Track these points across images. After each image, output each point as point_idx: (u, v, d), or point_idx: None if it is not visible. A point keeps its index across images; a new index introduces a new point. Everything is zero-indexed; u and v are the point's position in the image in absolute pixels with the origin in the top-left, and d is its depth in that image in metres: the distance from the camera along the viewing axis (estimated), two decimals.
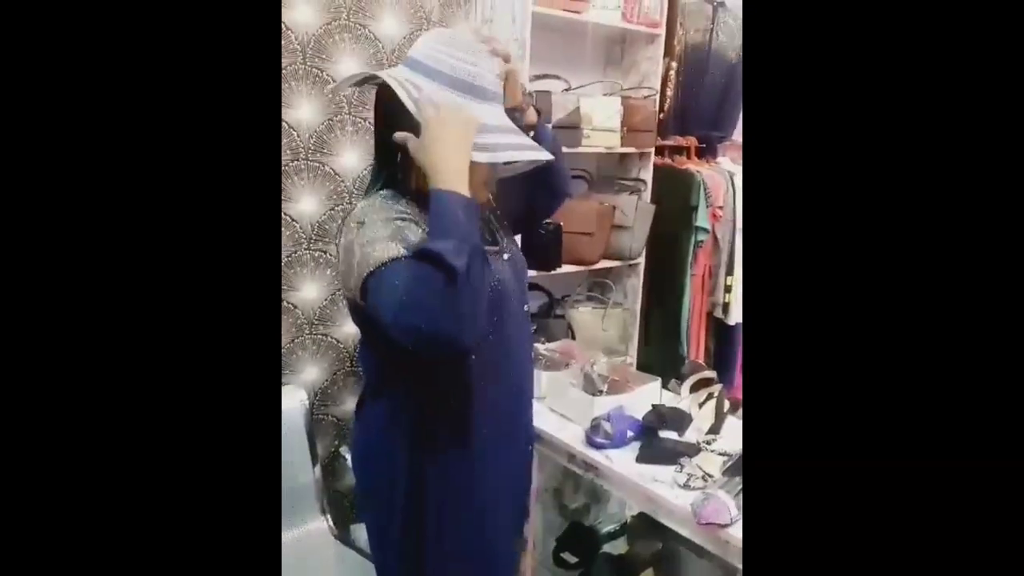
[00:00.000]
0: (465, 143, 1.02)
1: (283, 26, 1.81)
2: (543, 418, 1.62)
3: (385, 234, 1.02)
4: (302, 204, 1.94)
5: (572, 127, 2.13)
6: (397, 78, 1.05)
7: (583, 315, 2.40)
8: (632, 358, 2.53)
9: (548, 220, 2.14)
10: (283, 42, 1.82)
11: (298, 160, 1.91)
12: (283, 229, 1.92)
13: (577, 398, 1.60)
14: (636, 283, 2.50)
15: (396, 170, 1.16)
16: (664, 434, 1.50)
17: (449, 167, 1.00)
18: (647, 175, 2.42)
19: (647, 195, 2.42)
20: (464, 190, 0.99)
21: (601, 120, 2.22)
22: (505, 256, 1.24)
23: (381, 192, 1.13)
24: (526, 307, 1.28)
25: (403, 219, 1.06)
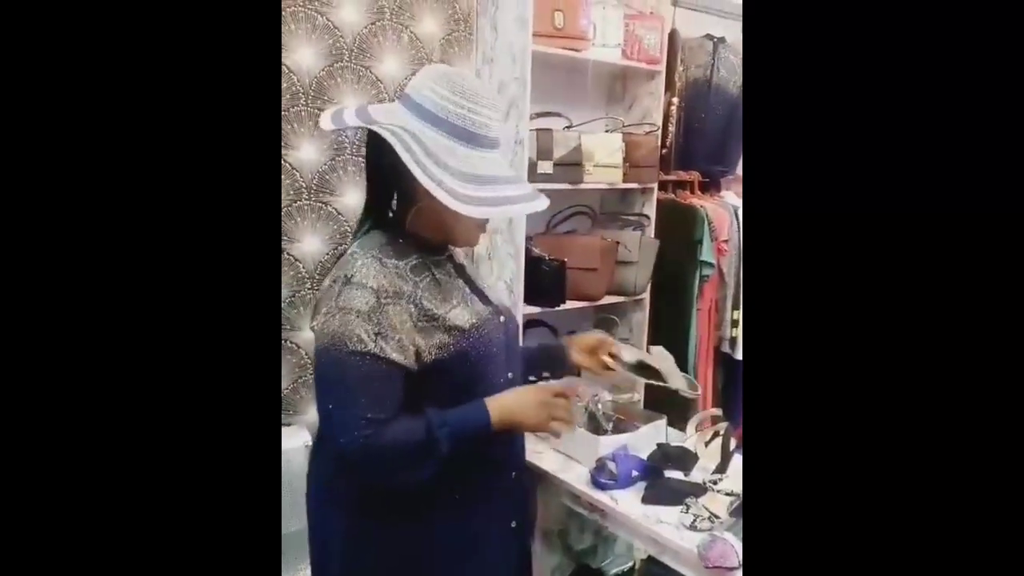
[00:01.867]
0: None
1: (284, 68, 1.83)
2: (546, 458, 1.59)
3: (365, 309, 1.02)
4: (305, 244, 1.94)
5: (573, 164, 2.13)
6: (399, 135, 1.02)
7: None
8: (639, 395, 2.50)
9: (552, 256, 2.14)
10: (284, 84, 1.83)
11: (300, 200, 1.92)
12: (286, 269, 1.92)
13: (582, 437, 1.57)
14: (641, 318, 2.48)
15: (387, 210, 1.16)
16: (670, 474, 1.47)
17: (515, 418, 1.12)
18: (651, 210, 2.42)
19: (651, 230, 2.42)
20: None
21: (603, 156, 2.22)
22: (500, 319, 1.20)
23: (373, 235, 1.12)
24: (510, 375, 1.20)
25: (388, 295, 1.04)
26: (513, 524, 1.23)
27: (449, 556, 1.14)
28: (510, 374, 1.20)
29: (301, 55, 1.86)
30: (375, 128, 1.05)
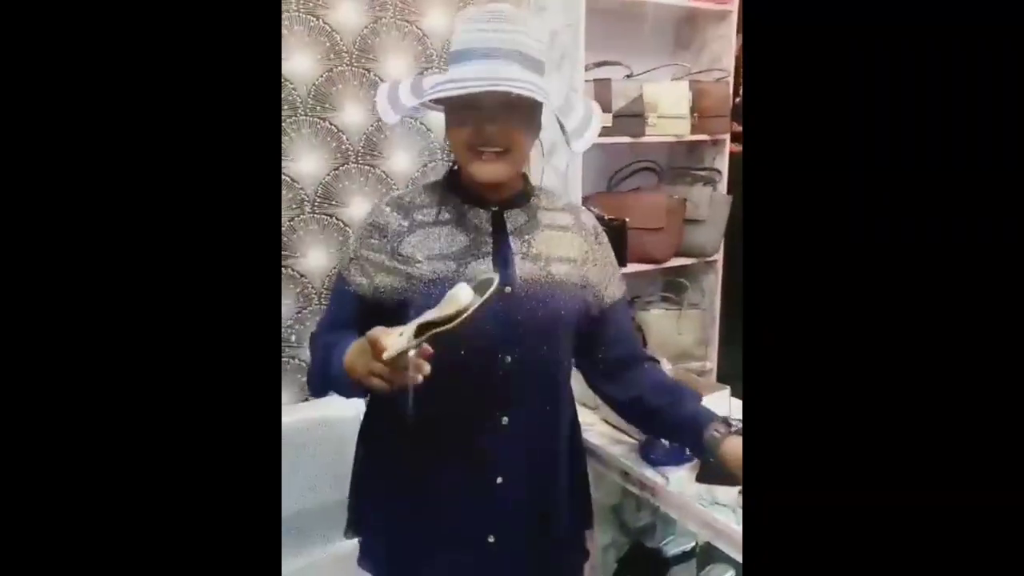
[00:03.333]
0: None
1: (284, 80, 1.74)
2: (596, 431, 1.50)
3: (355, 237, 1.13)
4: (310, 259, 1.86)
5: (635, 115, 1.99)
6: (391, 85, 1.06)
7: (656, 318, 2.24)
8: (712, 363, 2.35)
9: (612, 216, 2.01)
10: (283, 93, 1.75)
11: (304, 213, 1.83)
12: (291, 285, 1.85)
13: None
14: (714, 281, 2.32)
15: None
16: None
17: (349, 363, 0.99)
18: (722, 164, 2.24)
19: (723, 186, 2.24)
20: None
21: (668, 107, 2.06)
22: (507, 289, 1.05)
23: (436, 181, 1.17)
24: (508, 358, 1.06)
25: (375, 228, 1.10)
26: (491, 539, 1.12)
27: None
28: (508, 357, 1.06)
29: (297, 61, 1.76)
30: (520, 90, 0.96)
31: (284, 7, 1.71)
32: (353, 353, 0.97)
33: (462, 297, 0.87)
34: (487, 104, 0.99)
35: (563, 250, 1.13)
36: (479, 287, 0.90)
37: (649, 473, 1.33)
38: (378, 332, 0.88)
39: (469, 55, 1.00)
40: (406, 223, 1.09)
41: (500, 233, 1.10)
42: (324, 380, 1.05)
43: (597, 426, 1.52)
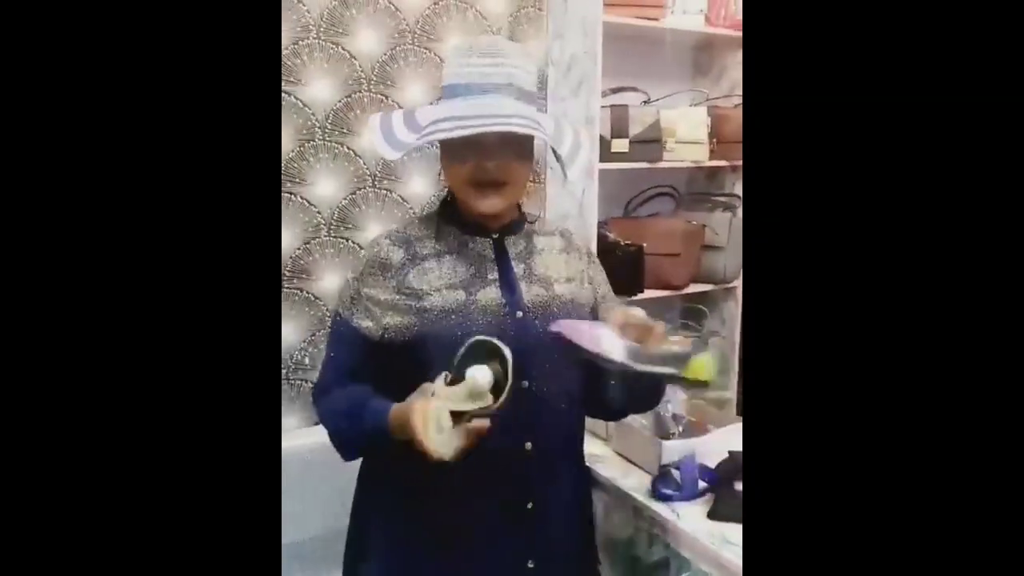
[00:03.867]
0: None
1: (299, 102, 1.75)
2: (608, 463, 1.48)
3: (354, 274, 1.11)
4: (325, 281, 1.85)
5: (652, 141, 1.97)
6: (382, 118, 1.04)
7: None
8: (733, 393, 2.31)
9: (628, 241, 2.00)
10: (300, 119, 1.76)
11: (320, 236, 1.83)
12: (305, 308, 1.83)
13: (645, 441, 1.44)
14: (734, 309, 2.29)
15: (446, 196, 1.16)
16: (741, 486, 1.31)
17: (402, 421, 0.93)
18: (741, 190, 2.21)
19: (742, 212, 2.21)
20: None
21: (686, 132, 2.04)
22: (518, 314, 1.06)
23: (430, 213, 1.17)
24: (525, 383, 1.03)
25: (375, 264, 1.09)
26: (530, 565, 1.09)
27: None
28: (525, 382, 1.03)
29: (317, 87, 1.77)
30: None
31: (304, 35, 1.73)
32: (408, 409, 0.92)
33: (481, 380, 0.89)
34: (486, 141, 0.99)
35: (563, 271, 1.15)
36: (488, 354, 0.92)
37: (660, 508, 1.31)
38: (419, 436, 0.87)
39: (465, 90, 1.01)
40: (408, 256, 1.08)
41: (503, 259, 1.11)
42: (358, 444, 1.05)
43: (609, 458, 1.50)
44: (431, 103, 1.16)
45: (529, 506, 1.08)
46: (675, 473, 1.33)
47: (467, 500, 1.07)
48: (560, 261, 1.16)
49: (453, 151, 1.03)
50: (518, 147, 1.03)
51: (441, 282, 1.06)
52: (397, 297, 1.06)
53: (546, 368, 1.07)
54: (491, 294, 1.06)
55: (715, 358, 0.99)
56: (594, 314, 1.18)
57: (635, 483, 1.39)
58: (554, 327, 0.97)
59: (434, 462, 0.87)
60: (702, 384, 0.96)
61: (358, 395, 1.04)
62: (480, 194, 1.04)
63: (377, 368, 1.07)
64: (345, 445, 1.07)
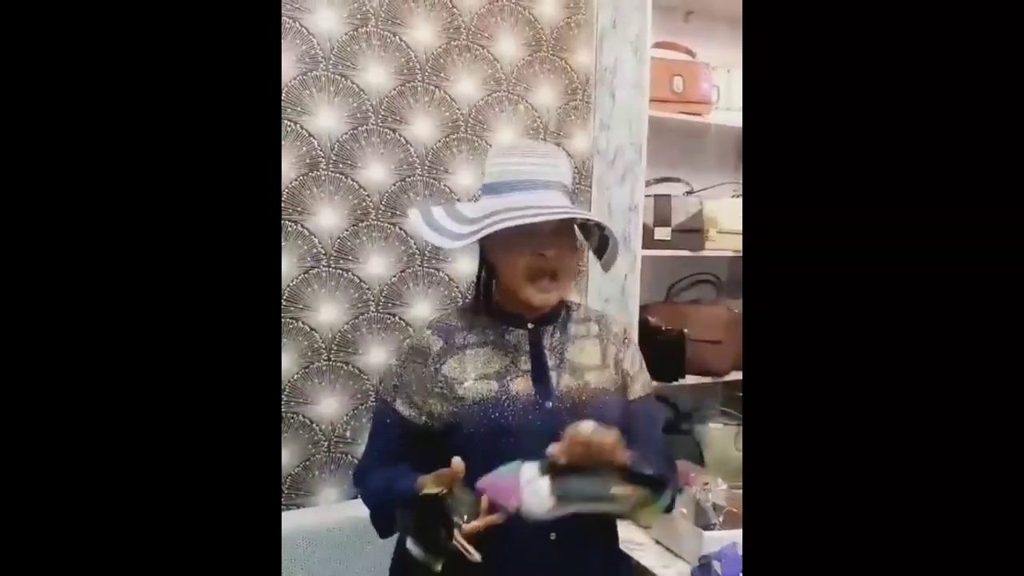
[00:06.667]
0: None
1: (305, 132, 1.79)
2: (648, 551, 1.46)
3: (396, 362, 1.17)
4: (321, 314, 1.84)
5: (694, 230, 2.02)
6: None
7: (713, 432, 2.19)
8: None
9: (670, 327, 2.02)
10: (304, 148, 1.79)
11: (319, 267, 1.83)
12: (300, 339, 1.83)
13: (685, 531, 1.42)
14: None
15: (480, 284, 1.20)
16: None
17: None
18: None
19: None
20: None
21: (728, 222, 2.09)
22: (549, 404, 1.09)
23: (468, 303, 1.22)
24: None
25: (415, 353, 1.14)
26: None
27: None
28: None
29: (324, 118, 1.80)
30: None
31: (312, 67, 1.79)
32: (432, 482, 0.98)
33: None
34: (542, 232, 1.04)
35: (596, 358, 1.18)
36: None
37: None
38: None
39: (512, 186, 1.06)
40: (447, 346, 1.13)
41: (536, 349, 1.14)
42: (391, 513, 1.05)
43: (649, 546, 1.47)
44: (473, 199, 1.19)
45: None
46: (716, 565, 1.31)
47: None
48: (594, 348, 1.18)
49: (509, 243, 1.06)
50: (570, 239, 1.09)
51: (475, 372, 1.10)
52: (433, 385, 1.10)
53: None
54: (522, 385, 1.10)
55: (662, 506, 0.99)
56: (625, 399, 1.20)
57: (675, 573, 1.37)
58: (479, 484, 0.96)
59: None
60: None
61: (396, 471, 1.08)
62: (537, 286, 1.08)
63: (416, 453, 1.11)
64: (380, 518, 1.10)
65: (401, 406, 1.12)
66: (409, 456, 1.10)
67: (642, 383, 1.23)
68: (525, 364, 1.12)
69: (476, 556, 0.90)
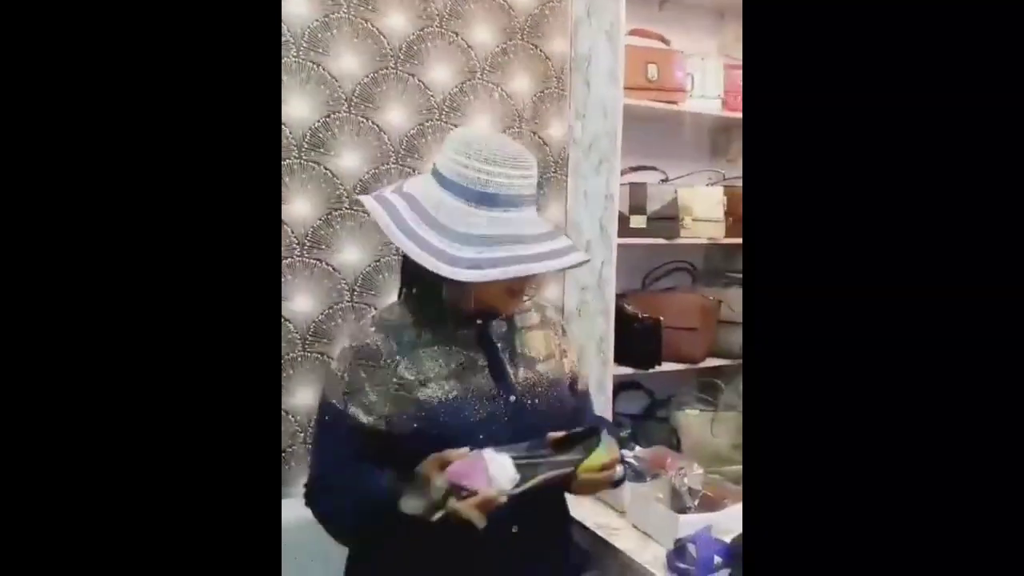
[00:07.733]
0: None
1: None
2: (624, 535, 1.47)
3: (342, 367, 1.10)
4: (295, 303, 1.82)
5: (669, 218, 2.03)
6: (386, 202, 1.05)
7: (690, 419, 2.20)
8: None
9: (646, 314, 2.03)
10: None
11: (292, 257, 1.81)
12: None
13: (660, 515, 1.43)
14: None
15: (414, 282, 1.13)
16: None
17: None
18: None
19: None
20: None
21: (703, 210, 2.10)
22: (511, 398, 1.09)
23: (409, 299, 1.15)
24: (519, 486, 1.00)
25: (363, 356, 1.08)
26: None
27: None
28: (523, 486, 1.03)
29: (294, 106, 1.78)
30: (362, 199, 1.09)
31: (283, 54, 1.75)
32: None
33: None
34: None
35: (542, 348, 1.19)
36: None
37: None
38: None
39: (493, 200, 1.01)
40: (396, 345, 1.09)
41: (488, 346, 1.14)
42: (358, 515, 1.04)
43: (625, 530, 1.49)
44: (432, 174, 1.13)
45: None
46: (691, 547, 1.32)
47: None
48: (539, 338, 1.20)
49: None
50: None
51: (433, 373, 1.08)
52: (392, 387, 1.07)
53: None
54: (482, 381, 1.10)
55: (604, 450, 1.05)
56: (573, 388, 1.22)
57: (651, 557, 1.38)
58: (449, 478, 0.95)
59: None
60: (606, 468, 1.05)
61: (358, 479, 1.05)
62: (512, 298, 1.11)
63: (375, 457, 1.06)
64: (354, 529, 1.07)
65: (357, 412, 1.06)
66: (367, 460, 1.06)
67: (583, 374, 1.28)
68: (482, 360, 1.12)
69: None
